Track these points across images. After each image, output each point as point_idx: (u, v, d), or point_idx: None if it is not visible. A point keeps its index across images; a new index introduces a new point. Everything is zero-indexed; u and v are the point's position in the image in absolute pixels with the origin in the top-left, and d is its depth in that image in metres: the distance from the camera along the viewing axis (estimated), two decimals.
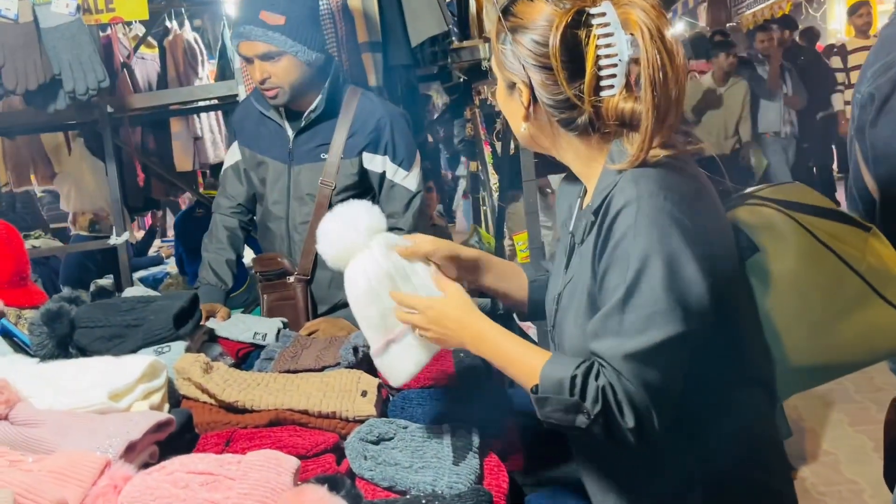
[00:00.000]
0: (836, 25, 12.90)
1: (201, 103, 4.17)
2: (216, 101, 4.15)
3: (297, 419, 1.34)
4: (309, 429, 1.33)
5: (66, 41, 2.63)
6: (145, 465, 1.09)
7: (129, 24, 4.27)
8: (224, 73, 4.23)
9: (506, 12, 1.12)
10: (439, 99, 6.14)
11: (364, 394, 1.39)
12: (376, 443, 1.25)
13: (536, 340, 2.66)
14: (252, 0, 2.05)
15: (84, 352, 1.53)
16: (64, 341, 1.52)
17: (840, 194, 6.82)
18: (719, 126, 5.78)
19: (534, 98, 1.11)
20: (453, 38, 3.19)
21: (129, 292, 2.16)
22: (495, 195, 4.11)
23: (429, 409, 1.40)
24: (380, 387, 1.43)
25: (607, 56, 1.04)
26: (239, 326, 1.84)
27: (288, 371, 1.55)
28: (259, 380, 1.44)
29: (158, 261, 5.60)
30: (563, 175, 1.30)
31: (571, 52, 1.05)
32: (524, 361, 1.10)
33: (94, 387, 1.28)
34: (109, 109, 3.17)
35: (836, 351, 1.18)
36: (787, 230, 1.17)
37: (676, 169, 1.05)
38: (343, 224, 1.19)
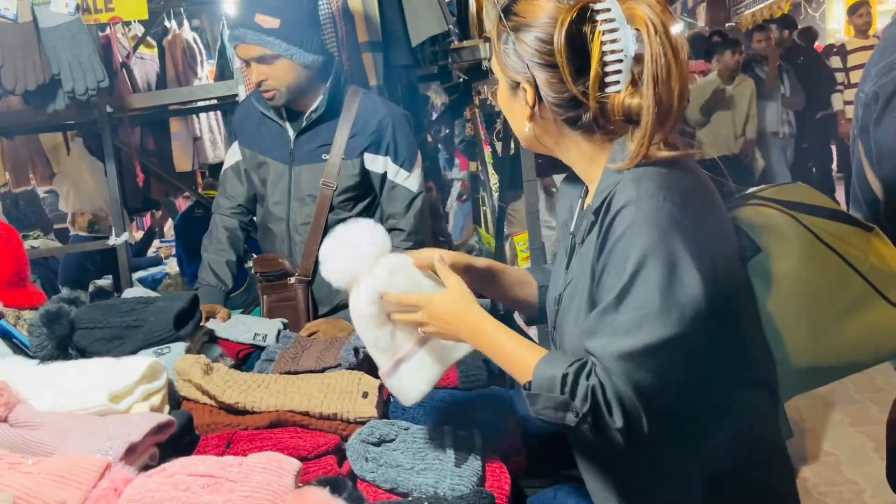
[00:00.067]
0: (835, 25, 12.91)
1: (201, 103, 4.16)
2: (215, 101, 4.15)
3: (298, 421, 1.34)
4: (310, 430, 1.32)
5: (66, 41, 2.63)
6: (146, 468, 1.08)
7: (128, 23, 4.26)
8: (223, 72, 4.23)
9: (507, 12, 1.12)
10: (438, 99, 6.14)
11: (365, 395, 1.38)
12: (378, 444, 1.24)
13: (537, 341, 2.66)
14: (247, 3, 2.05)
15: (84, 353, 1.52)
16: (63, 342, 1.51)
17: (840, 194, 6.82)
18: (728, 126, 5.78)
19: (538, 97, 1.10)
20: (453, 38, 3.19)
21: (128, 293, 2.15)
22: (495, 195, 4.10)
23: (430, 411, 1.40)
24: (381, 388, 1.43)
25: (612, 52, 1.03)
26: (239, 327, 1.83)
27: (288, 372, 1.54)
28: (259, 381, 1.43)
29: (157, 261, 5.60)
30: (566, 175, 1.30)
31: (576, 49, 1.05)
32: (520, 358, 1.10)
33: (94, 388, 1.27)
34: (109, 109, 3.16)
35: (838, 352, 1.17)
36: (789, 231, 1.17)
37: (678, 170, 1.05)
38: (345, 252, 1.17)
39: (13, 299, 1.88)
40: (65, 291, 4.10)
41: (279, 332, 1.84)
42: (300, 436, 1.29)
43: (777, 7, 12.15)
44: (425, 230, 2.22)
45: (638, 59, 1.03)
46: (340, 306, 2.13)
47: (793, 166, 6.39)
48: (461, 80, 3.92)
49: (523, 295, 1.37)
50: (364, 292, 1.16)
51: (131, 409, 1.27)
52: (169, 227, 6.50)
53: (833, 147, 7.22)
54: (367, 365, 1.58)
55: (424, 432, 1.27)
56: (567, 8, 1.05)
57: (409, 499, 1.14)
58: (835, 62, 6.64)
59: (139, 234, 5.85)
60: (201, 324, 1.70)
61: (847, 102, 6.33)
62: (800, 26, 7.78)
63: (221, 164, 2.39)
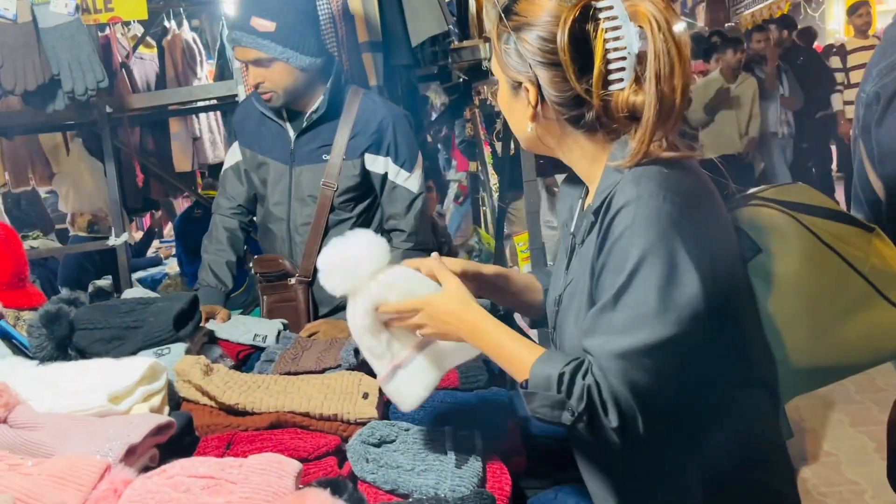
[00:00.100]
0: (834, 25, 12.93)
1: (200, 103, 4.16)
2: (215, 102, 4.14)
3: (298, 421, 1.33)
4: (310, 431, 1.32)
5: (65, 41, 2.63)
6: (146, 469, 1.08)
7: (127, 23, 4.26)
8: (223, 73, 4.23)
9: (508, 11, 1.11)
10: (437, 99, 6.14)
11: (365, 396, 1.38)
12: (378, 445, 1.24)
13: (537, 341, 2.66)
14: (244, 5, 2.05)
15: (83, 354, 1.52)
16: (63, 343, 1.51)
17: (839, 194, 6.83)
18: (732, 125, 5.77)
19: (541, 97, 1.10)
20: (453, 38, 3.19)
21: (128, 293, 2.15)
22: (495, 195, 4.10)
23: (430, 412, 1.39)
24: (381, 389, 1.42)
25: (615, 49, 1.03)
26: (239, 328, 1.83)
27: (288, 373, 1.54)
28: (259, 382, 1.43)
29: (157, 261, 5.59)
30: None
31: (580, 47, 1.04)
32: (518, 356, 1.10)
33: (94, 389, 1.27)
34: (108, 110, 3.16)
35: (839, 352, 1.17)
36: (790, 231, 1.17)
37: (678, 170, 1.05)
38: (342, 268, 1.16)
39: (13, 300, 1.88)
40: (64, 292, 4.09)
41: (279, 332, 1.84)
42: (300, 437, 1.28)
43: (776, 7, 12.15)
44: (426, 231, 2.22)
45: (641, 56, 1.03)
46: (341, 307, 2.12)
47: (792, 166, 6.40)
48: (461, 80, 3.92)
49: (530, 299, 1.37)
50: (359, 305, 1.17)
51: (131, 410, 1.27)
52: (169, 227, 6.50)
53: (833, 147, 7.22)
54: (367, 366, 1.57)
55: (425, 433, 1.27)
56: (570, 6, 1.05)
57: (410, 500, 1.13)
58: (834, 62, 6.64)
59: (138, 235, 5.84)
60: (201, 324, 1.70)
61: (847, 102, 6.33)
62: (799, 26, 7.78)
63: (221, 164, 2.39)
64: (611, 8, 1.04)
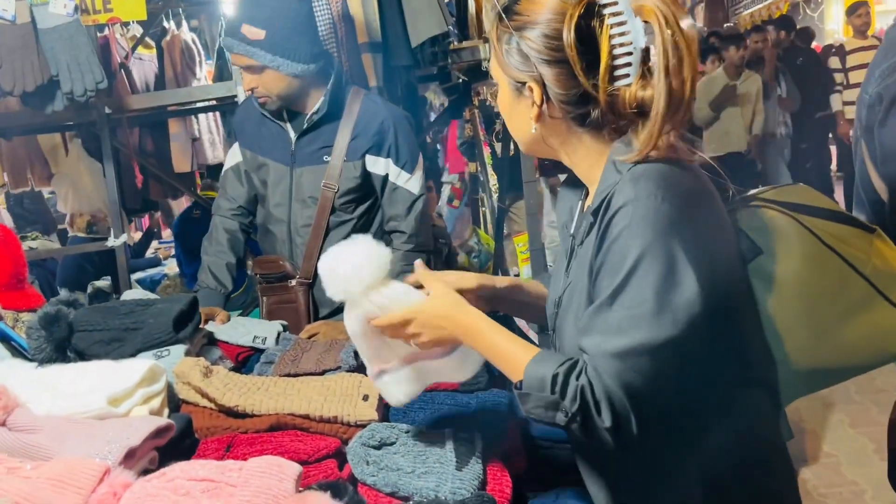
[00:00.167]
0: (833, 26, 12.94)
1: (199, 104, 4.15)
2: (214, 102, 4.14)
3: (298, 424, 1.33)
4: (310, 433, 1.32)
5: (64, 42, 2.62)
6: (145, 472, 1.07)
7: (126, 24, 4.25)
8: (222, 73, 4.22)
9: (508, 11, 1.11)
10: (436, 100, 6.13)
11: (366, 398, 1.38)
12: (378, 447, 1.24)
13: (537, 342, 2.66)
14: (236, 13, 2.06)
15: (82, 356, 1.52)
16: (62, 345, 1.51)
17: (838, 195, 6.83)
18: (738, 122, 5.77)
19: (546, 96, 1.09)
20: (453, 39, 3.18)
21: (127, 295, 2.14)
22: (494, 196, 4.10)
23: (431, 414, 1.39)
24: None
25: (621, 45, 1.03)
26: (238, 330, 1.83)
27: (288, 375, 1.54)
28: (259, 384, 1.43)
29: (156, 262, 5.59)
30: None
31: (586, 44, 1.04)
32: (512, 356, 1.10)
33: (93, 391, 1.27)
34: (107, 110, 3.15)
35: (840, 354, 1.17)
36: (790, 232, 1.16)
37: (677, 171, 1.04)
38: (339, 280, 1.16)
39: (11, 301, 1.88)
40: (63, 293, 4.08)
41: (278, 334, 1.84)
42: (300, 439, 1.28)
43: (775, 8, 12.16)
44: (426, 232, 2.22)
45: (646, 51, 1.03)
46: (341, 308, 2.11)
47: (791, 167, 6.40)
48: (460, 80, 3.91)
49: (543, 306, 1.37)
50: (353, 314, 1.19)
51: (130, 412, 1.26)
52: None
53: (833, 147, 7.22)
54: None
55: (425, 435, 1.27)
56: (574, 2, 1.04)
57: (410, 503, 1.13)
58: (834, 62, 6.64)
59: (137, 235, 5.84)
60: (200, 326, 1.70)
61: (846, 103, 6.34)
62: (798, 27, 7.78)
63: (220, 165, 2.39)
64: (615, 3, 1.04)
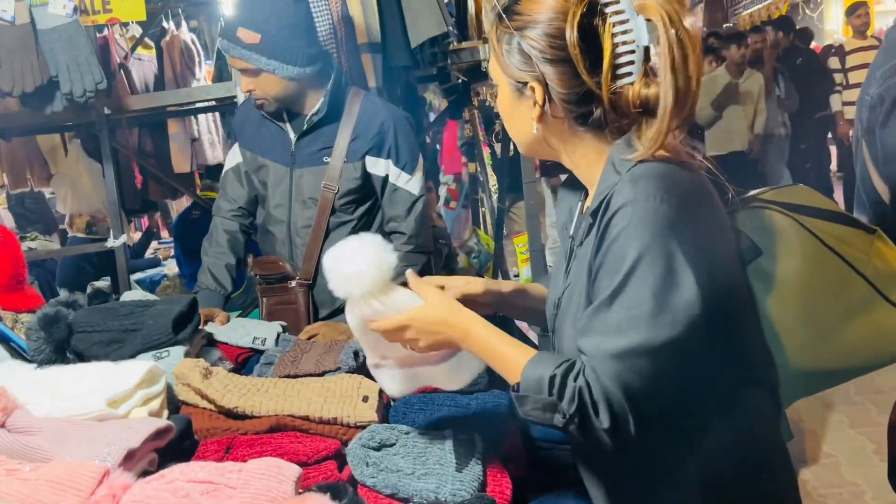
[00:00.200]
0: (832, 26, 12.95)
1: (199, 104, 4.15)
2: (214, 103, 4.13)
3: (297, 425, 1.33)
4: (310, 435, 1.31)
5: (63, 43, 2.62)
6: (144, 473, 1.07)
7: (125, 24, 4.25)
8: (221, 73, 4.21)
9: (508, 12, 1.11)
10: (436, 101, 6.13)
11: (365, 399, 1.38)
12: (378, 449, 1.23)
13: (537, 343, 2.66)
14: (232, 15, 2.06)
15: (82, 357, 1.51)
16: (61, 346, 1.51)
17: (838, 195, 6.83)
18: (742, 120, 5.76)
19: (548, 95, 1.09)
20: (452, 40, 3.18)
21: (127, 296, 2.14)
22: (494, 197, 4.10)
23: (431, 415, 1.39)
24: (381, 392, 1.42)
25: (624, 43, 1.04)
26: (238, 331, 1.82)
27: (288, 376, 1.53)
28: (259, 385, 1.43)
29: (155, 263, 5.59)
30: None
31: (588, 42, 1.04)
32: (509, 358, 1.10)
33: (92, 393, 1.26)
34: (106, 111, 3.15)
35: (841, 355, 1.17)
36: (791, 233, 1.16)
37: (676, 172, 1.04)
38: (341, 281, 1.16)
39: (11, 302, 1.87)
40: (63, 293, 4.08)
41: (278, 335, 1.83)
42: (300, 440, 1.28)
43: (775, 8, 12.16)
44: (426, 233, 2.21)
45: (648, 50, 1.04)
46: (341, 309, 2.11)
47: (790, 167, 6.40)
48: (460, 81, 3.91)
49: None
50: (352, 312, 1.20)
51: (130, 413, 1.26)
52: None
53: (833, 148, 7.22)
54: (367, 369, 1.58)
55: (425, 436, 1.27)
56: (576, 1, 1.05)
57: None
58: (833, 63, 6.65)
59: (137, 236, 5.84)
60: (200, 327, 1.69)
61: (846, 103, 6.34)
62: (797, 27, 7.78)
63: (219, 165, 2.39)
64: (617, 2, 1.04)
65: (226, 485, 0.96)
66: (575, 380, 1.01)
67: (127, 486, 0.96)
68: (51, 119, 3.07)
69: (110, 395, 1.25)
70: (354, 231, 2.11)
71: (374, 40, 2.68)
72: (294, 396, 1.38)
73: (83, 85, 2.61)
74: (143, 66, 4.37)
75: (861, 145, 1.38)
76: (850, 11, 6.54)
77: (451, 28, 3.07)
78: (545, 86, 1.08)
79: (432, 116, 5.78)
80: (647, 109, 1.05)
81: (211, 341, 1.74)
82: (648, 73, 1.05)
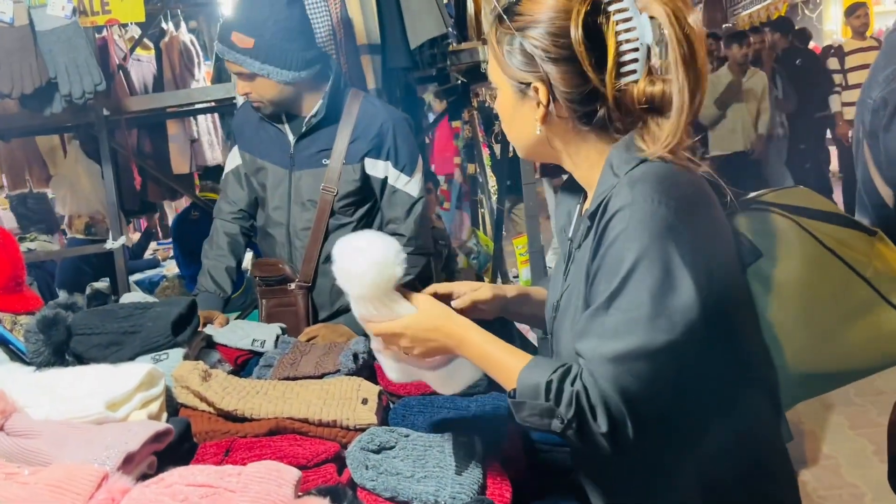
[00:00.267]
0: (832, 26, 12.95)
1: (198, 105, 4.14)
2: (213, 104, 4.13)
3: (297, 428, 1.32)
4: (309, 438, 1.31)
5: (62, 44, 2.62)
6: (144, 477, 1.07)
7: (124, 25, 4.25)
8: (220, 74, 4.20)
9: (508, 12, 1.10)
10: (434, 102, 6.12)
11: (365, 401, 1.37)
12: (378, 452, 1.23)
13: (536, 345, 2.66)
14: (228, 19, 2.06)
15: (81, 359, 1.51)
16: (60, 349, 1.50)
17: (837, 195, 6.83)
18: (746, 119, 5.75)
19: (552, 95, 1.09)
20: (451, 41, 3.18)
21: (126, 298, 2.13)
22: (493, 198, 4.10)
23: (430, 418, 1.39)
24: (380, 394, 1.42)
25: (628, 41, 1.04)
26: (237, 333, 1.82)
27: (287, 378, 1.53)
28: (258, 387, 1.42)
29: (154, 264, 5.58)
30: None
31: (593, 40, 1.04)
32: (505, 365, 1.09)
33: (91, 395, 1.26)
34: (105, 112, 3.14)
35: (842, 358, 1.17)
36: (791, 235, 1.16)
37: (675, 174, 1.04)
38: (346, 271, 1.15)
39: (9, 304, 1.87)
40: (62, 295, 4.07)
41: (277, 337, 1.83)
42: (299, 443, 1.27)
43: (774, 8, 12.17)
44: (426, 235, 2.21)
45: (653, 47, 1.04)
46: (340, 311, 2.12)
47: (788, 167, 6.41)
48: (459, 82, 3.91)
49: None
50: (355, 303, 1.19)
51: (129, 416, 1.26)
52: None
53: (832, 148, 7.22)
54: (366, 371, 1.58)
55: (425, 439, 1.26)
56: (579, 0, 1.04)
57: None
58: (832, 63, 6.65)
59: (136, 236, 5.83)
60: (199, 329, 1.69)
61: (845, 104, 6.34)
62: (795, 27, 7.78)
63: (218, 166, 2.38)
64: (620, 0, 1.04)
65: (225, 488, 0.95)
66: (572, 384, 1.01)
67: (126, 490, 0.96)
68: (50, 120, 3.06)
69: (109, 398, 1.24)
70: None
71: (373, 42, 2.68)
72: (293, 399, 1.37)
73: (82, 86, 2.61)
74: (142, 67, 4.37)
75: (862, 148, 1.38)
76: (850, 12, 6.55)
77: (450, 29, 3.07)
78: (549, 85, 1.08)
79: (431, 117, 5.77)
80: (653, 107, 1.05)
81: (210, 343, 1.74)
82: (652, 71, 1.05)
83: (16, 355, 1.60)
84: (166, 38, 4.37)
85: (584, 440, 1.01)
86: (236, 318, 2.28)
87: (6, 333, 1.63)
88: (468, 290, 1.30)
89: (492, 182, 4.08)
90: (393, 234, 2.14)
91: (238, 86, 2.08)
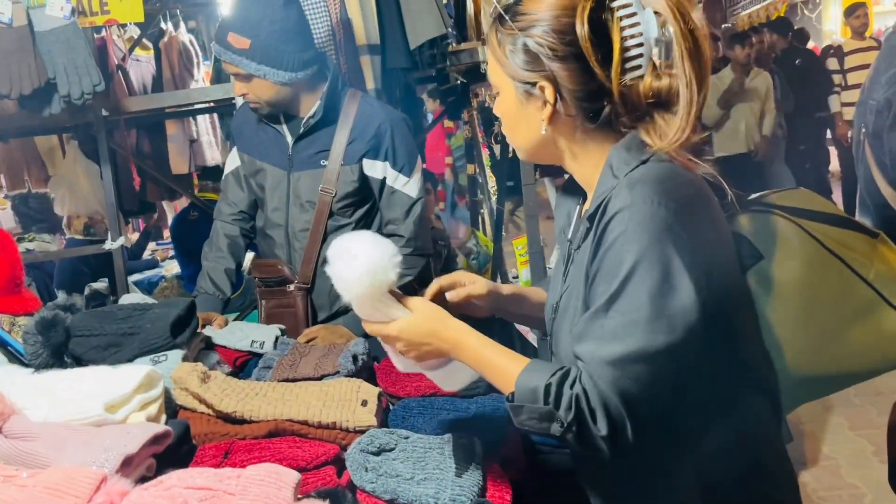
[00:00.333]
0: (831, 27, 12.96)
1: (197, 106, 4.14)
2: (212, 104, 4.12)
3: (296, 430, 1.32)
4: (309, 440, 1.31)
5: (61, 45, 2.61)
6: (142, 479, 1.07)
7: (123, 26, 4.24)
8: (219, 74, 4.19)
9: (509, 12, 1.10)
10: (428, 101, 6.11)
11: (364, 403, 1.37)
12: (377, 454, 1.23)
13: (536, 346, 2.65)
14: (225, 19, 2.06)
15: (79, 361, 1.50)
16: (59, 350, 1.50)
17: (837, 195, 6.83)
18: (750, 119, 5.73)
19: (559, 94, 1.08)
20: (451, 41, 3.17)
21: (125, 299, 2.13)
22: (493, 198, 4.10)
23: (430, 419, 1.38)
24: (380, 396, 1.42)
25: (632, 36, 1.03)
26: (236, 334, 1.82)
27: (286, 380, 1.53)
28: (257, 389, 1.42)
29: (153, 264, 5.56)
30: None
31: (598, 36, 1.04)
32: (503, 369, 1.09)
33: (90, 397, 1.26)
34: (104, 112, 3.14)
35: (843, 360, 1.17)
36: (792, 237, 1.16)
37: (674, 176, 1.04)
38: (340, 272, 1.14)
39: (8, 305, 1.87)
40: (60, 295, 4.07)
41: (277, 338, 1.82)
42: (299, 445, 1.27)
43: (773, 9, 12.16)
44: (425, 236, 2.20)
45: (658, 42, 1.03)
46: (340, 312, 2.12)
47: (787, 167, 6.40)
48: (459, 82, 3.91)
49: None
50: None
51: (127, 418, 1.26)
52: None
53: (832, 149, 7.22)
54: (365, 372, 1.57)
55: (425, 441, 1.26)
56: None
57: None
58: (832, 64, 6.65)
59: (134, 237, 5.82)
60: (198, 330, 1.69)
61: (845, 104, 6.34)
62: (794, 28, 7.78)
63: (217, 166, 2.38)
64: None
65: (224, 491, 0.95)
66: (571, 387, 1.00)
67: (124, 493, 0.96)
68: (48, 120, 3.06)
69: (108, 400, 1.24)
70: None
71: (372, 42, 2.68)
72: (293, 400, 1.37)
73: (81, 87, 2.61)
74: (141, 67, 4.37)
75: (864, 149, 1.37)
76: (849, 12, 6.55)
77: (449, 29, 3.07)
78: (555, 84, 1.08)
79: (430, 118, 5.77)
80: (660, 101, 1.05)
81: (209, 345, 1.73)
82: (657, 67, 1.04)
83: (14, 357, 1.59)
84: (165, 39, 4.36)
85: (584, 444, 1.01)
86: (235, 320, 2.27)
87: (4, 335, 1.63)
88: (467, 283, 1.30)
89: (491, 182, 4.08)
90: (392, 234, 2.13)
91: (235, 87, 2.08)
